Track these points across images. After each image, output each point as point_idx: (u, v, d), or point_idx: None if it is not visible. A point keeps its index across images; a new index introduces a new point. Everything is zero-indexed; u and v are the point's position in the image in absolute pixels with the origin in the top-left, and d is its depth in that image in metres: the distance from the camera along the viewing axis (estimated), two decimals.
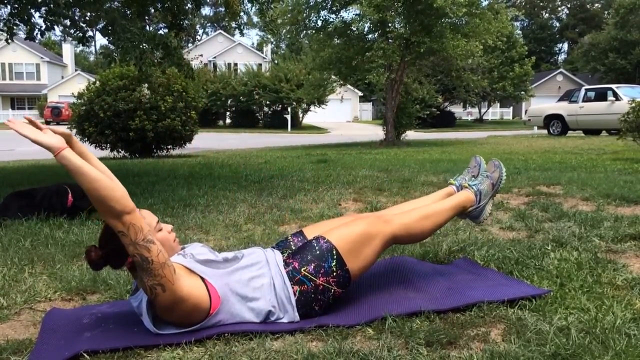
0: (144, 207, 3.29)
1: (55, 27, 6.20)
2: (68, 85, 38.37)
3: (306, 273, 1.78)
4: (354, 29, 13.53)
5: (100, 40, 61.66)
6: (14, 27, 6.05)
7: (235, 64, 40.29)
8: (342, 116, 40.41)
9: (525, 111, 21.88)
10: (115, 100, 10.06)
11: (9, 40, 6.25)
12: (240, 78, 31.38)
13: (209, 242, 2.90)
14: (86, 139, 10.37)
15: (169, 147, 11.00)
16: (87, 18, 6.50)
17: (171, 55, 6.35)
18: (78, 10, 6.37)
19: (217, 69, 38.89)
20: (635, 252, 2.47)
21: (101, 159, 10.07)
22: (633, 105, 7.48)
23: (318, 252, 1.81)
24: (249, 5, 7.67)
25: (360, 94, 40.82)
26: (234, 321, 1.72)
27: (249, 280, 1.76)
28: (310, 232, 2.03)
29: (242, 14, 8.68)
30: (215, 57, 42.17)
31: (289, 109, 29.96)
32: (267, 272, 1.80)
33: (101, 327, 1.72)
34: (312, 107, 30.83)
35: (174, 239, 1.80)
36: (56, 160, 1.53)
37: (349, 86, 30.56)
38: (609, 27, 38.95)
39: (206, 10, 60.15)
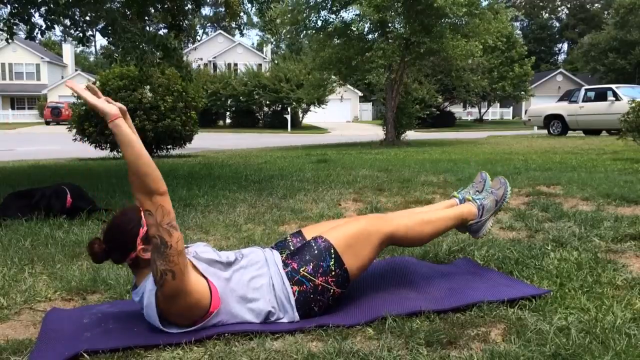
0: None
1: (55, 26, 6.21)
2: None
3: (305, 273, 1.79)
4: (354, 29, 13.52)
5: (101, 41, 61.71)
6: (14, 27, 6.06)
7: (235, 64, 40.29)
8: (342, 116, 40.41)
9: (525, 111, 21.86)
10: (115, 100, 10.01)
11: (9, 40, 6.25)
12: (240, 78, 31.39)
13: (209, 242, 2.90)
14: (86, 139, 10.36)
15: (169, 147, 10.98)
16: (87, 18, 6.50)
17: (170, 57, 6.36)
18: (78, 10, 6.37)
19: (217, 69, 38.91)
20: (635, 252, 2.47)
21: (101, 159, 10.09)
22: (633, 105, 7.49)
23: (316, 252, 1.82)
24: (249, 5, 7.67)
25: (360, 94, 40.81)
26: (235, 321, 1.73)
27: (248, 281, 1.77)
28: (310, 232, 2.04)
29: (242, 14, 8.69)
30: (215, 57, 42.18)
31: (289, 109, 29.95)
32: (267, 272, 1.81)
33: (101, 327, 1.72)
34: (312, 107, 30.84)
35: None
36: (109, 126, 1.57)
37: (348, 86, 30.58)
38: (609, 27, 39.00)
39: (206, 11, 60.25)
